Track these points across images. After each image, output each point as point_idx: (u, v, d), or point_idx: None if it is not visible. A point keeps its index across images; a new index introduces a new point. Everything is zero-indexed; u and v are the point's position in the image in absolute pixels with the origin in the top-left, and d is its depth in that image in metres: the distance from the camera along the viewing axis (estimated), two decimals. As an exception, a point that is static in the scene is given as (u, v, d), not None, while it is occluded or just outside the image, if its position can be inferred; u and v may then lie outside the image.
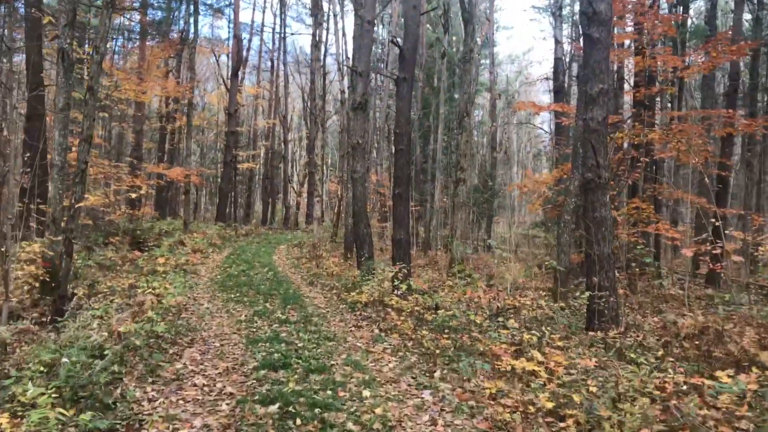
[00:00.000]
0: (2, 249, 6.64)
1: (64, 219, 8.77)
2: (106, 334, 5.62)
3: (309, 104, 30.27)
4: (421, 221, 24.38)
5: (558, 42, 23.46)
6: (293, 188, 44.22)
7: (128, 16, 21.75)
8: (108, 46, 27.87)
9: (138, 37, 25.95)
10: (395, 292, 10.19)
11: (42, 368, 4.42)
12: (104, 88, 18.54)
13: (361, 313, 9.38)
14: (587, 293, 8.99)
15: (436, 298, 9.84)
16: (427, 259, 19.23)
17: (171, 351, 6.51)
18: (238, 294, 10.78)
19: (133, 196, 19.20)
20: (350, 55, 21.27)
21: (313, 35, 23.24)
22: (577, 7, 30.94)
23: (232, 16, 33.06)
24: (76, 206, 7.37)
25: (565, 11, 29.71)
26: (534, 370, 6.26)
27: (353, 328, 8.37)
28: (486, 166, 25.16)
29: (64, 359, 4.32)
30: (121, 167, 19.79)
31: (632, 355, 7.02)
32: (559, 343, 7.39)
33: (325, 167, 41.15)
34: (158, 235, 21.83)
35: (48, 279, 7.92)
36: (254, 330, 7.75)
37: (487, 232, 24.82)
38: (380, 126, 30.46)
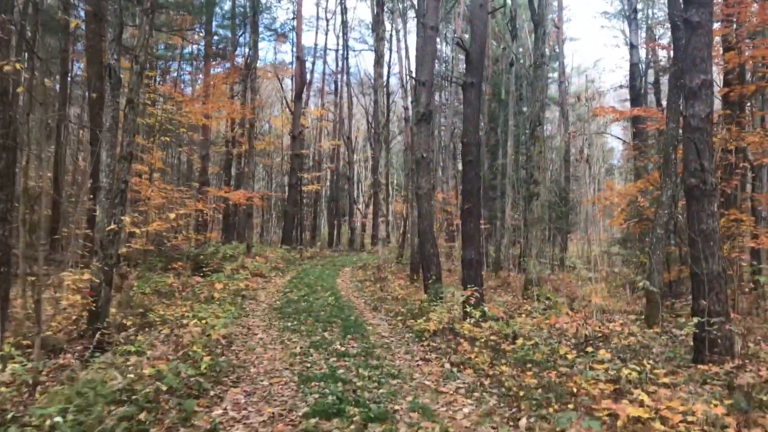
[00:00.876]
0: (34, 278, 6.06)
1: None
2: (132, 375, 4.86)
3: (372, 123, 29.72)
4: (490, 240, 23.11)
5: (633, 46, 21.97)
6: (359, 209, 43.76)
7: (191, 41, 21.85)
8: (172, 70, 28.30)
9: (203, 61, 26.19)
10: (467, 319, 9.12)
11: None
12: (167, 113, 18.51)
13: (429, 343, 8.35)
14: (695, 319, 7.62)
15: (513, 325, 8.71)
16: (498, 281, 17.97)
17: (213, 392, 5.70)
18: (295, 322, 9.98)
19: (192, 220, 18.97)
20: (413, 69, 20.53)
21: (375, 51, 22.68)
22: (651, 12, 29.18)
23: (294, 39, 33.17)
24: (116, 230, 6.78)
25: (639, 15, 28.02)
26: (642, 417, 5.06)
27: (420, 362, 7.36)
28: (559, 180, 23.66)
29: (57, 418, 3.55)
30: (184, 191, 19.67)
31: (764, 398, 5.68)
32: (665, 380, 6.13)
33: (390, 187, 40.54)
34: (222, 259, 21.57)
35: (95, 309, 7.35)
36: (309, 365, 6.87)
37: (562, 250, 23.23)
38: (446, 144, 29.50)
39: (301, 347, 7.86)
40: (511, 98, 20.69)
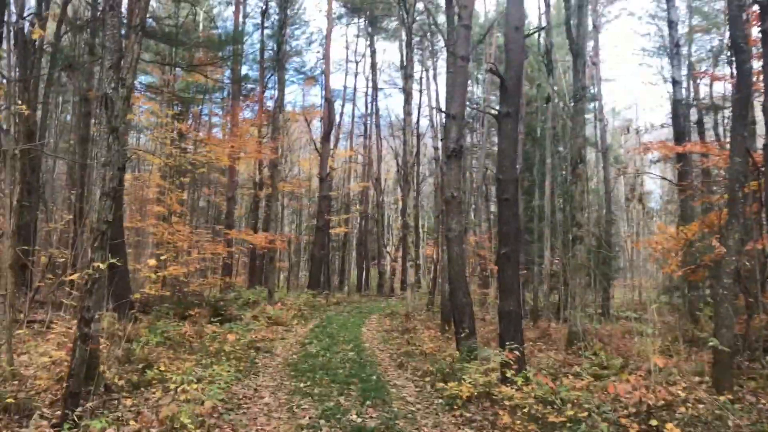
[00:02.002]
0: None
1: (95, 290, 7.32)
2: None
3: (401, 163, 28.90)
4: (527, 287, 21.65)
5: (676, 82, 20.77)
6: (388, 253, 42.64)
7: (213, 79, 21.47)
8: (203, 115, 28.03)
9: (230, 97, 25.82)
10: (506, 384, 7.84)
11: None
12: (185, 153, 17.90)
13: (462, 413, 7.07)
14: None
15: (561, 389, 7.40)
16: (537, 332, 16.49)
17: (191, 484, 4.57)
18: (309, 383, 8.79)
19: (212, 264, 18.10)
20: (443, 107, 19.69)
21: (404, 90, 22.00)
22: (694, 48, 27.99)
23: (323, 81, 32.86)
24: (95, 277, 5.82)
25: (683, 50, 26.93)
26: None
27: (452, 440, 6.11)
28: (601, 223, 22.23)
29: None
30: (202, 234, 18.92)
31: None
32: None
33: (420, 230, 39.41)
34: (243, 305, 20.60)
35: (69, 371, 6.31)
36: (316, 444, 5.68)
37: (606, 299, 21.63)
38: (478, 184, 28.42)
39: (310, 417, 6.67)
40: (547, 135, 19.59)
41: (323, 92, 32.94)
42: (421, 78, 34.92)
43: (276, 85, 28.84)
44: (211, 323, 16.56)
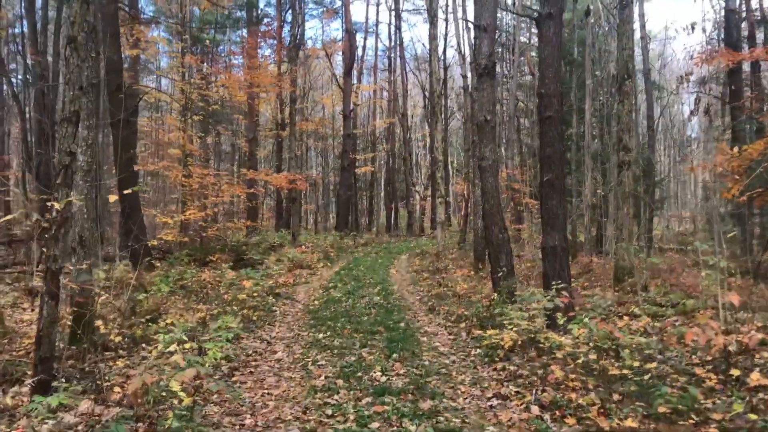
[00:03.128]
0: None
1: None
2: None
3: (428, 94, 27.31)
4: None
5: (732, -9, 18.65)
6: (417, 192, 41.44)
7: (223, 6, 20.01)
8: (222, 55, 26.69)
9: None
10: (553, 328, 6.76)
11: None
12: (195, 86, 16.68)
13: (505, 366, 6.03)
14: None
15: (624, 335, 6.29)
16: (578, 268, 15.30)
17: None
18: (329, 333, 7.84)
19: (235, 207, 17.20)
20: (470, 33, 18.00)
21: (428, 11, 20.22)
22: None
23: (343, 12, 30.97)
24: (59, 220, 4.82)
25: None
26: None
27: (494, 402, 5.07)
28: (644, 149, 20.57)
29: None
30: (221, 177, 17.96)
31: None
32: None
33: (449, 167, 37.93)
34: (268, 248, 19.83)
35: (39, 333, 5.41)
36: (329, 414, 4.70)
37: (648, 230, 20.23)
38: (510, 115, 26.72)
39: (327, 377, 5.70)
40: (587, 54, 17.80)
41: (343, 23, 31.15)
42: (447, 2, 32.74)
43: (293, 20, 27.31)
44: (232, 268, 15.86)
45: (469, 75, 20.09)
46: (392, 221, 37.30)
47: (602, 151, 20.94)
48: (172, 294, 11.02)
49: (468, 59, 18.63)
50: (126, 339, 7.31)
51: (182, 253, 14.80)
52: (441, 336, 7.80)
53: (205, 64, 24.04)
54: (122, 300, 8.68)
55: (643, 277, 11.73)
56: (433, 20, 18.96)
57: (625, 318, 8.35)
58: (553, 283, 7.58)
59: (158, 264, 14.47)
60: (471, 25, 19.08)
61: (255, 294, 10.57)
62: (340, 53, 31.87)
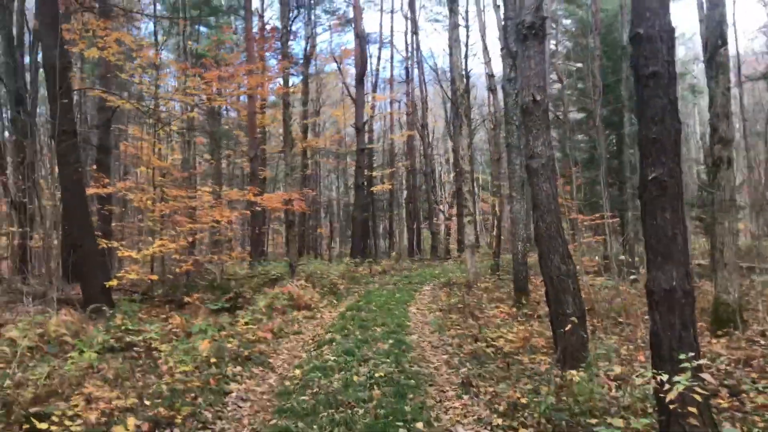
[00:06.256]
0: None
1: None
2: None
3: (450, 94, 24.26)
4: (616, 238, 16.89)
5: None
6: (440, 210, 38.16)
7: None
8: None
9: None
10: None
11: None
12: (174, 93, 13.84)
13: None
14: None
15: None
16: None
17: None
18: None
19: (233, 233, 14.23)
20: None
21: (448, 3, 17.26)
22: None
23: (352, 14, 28.20)
24: None
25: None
26: None
27: None
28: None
29: None
30: (208, 198, 14.99)
31: None
32: None
33: (475, 183, 34.57)
34: (265, 283, 16.74)
35: None
36: None
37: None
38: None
39: None
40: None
41: (354, 29, 28.36)
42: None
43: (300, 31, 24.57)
44: (216, 311, 12.82)
45: (498, 69, 17.03)
46: (414, 244, 34.04)
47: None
48: (101, 356, 7.97)
49: (497, 47, 15.51)
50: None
51: (158, 293, 11.81)
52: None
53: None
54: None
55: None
56: (452, 6, 15.94)
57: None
58: (681, 353, 4.32)
59: (123, 308, 11.46)
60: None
61: (213, 359, 7.45)
62: (352, 59, 28.98)
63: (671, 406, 4.18)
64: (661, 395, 4.18)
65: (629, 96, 17.01)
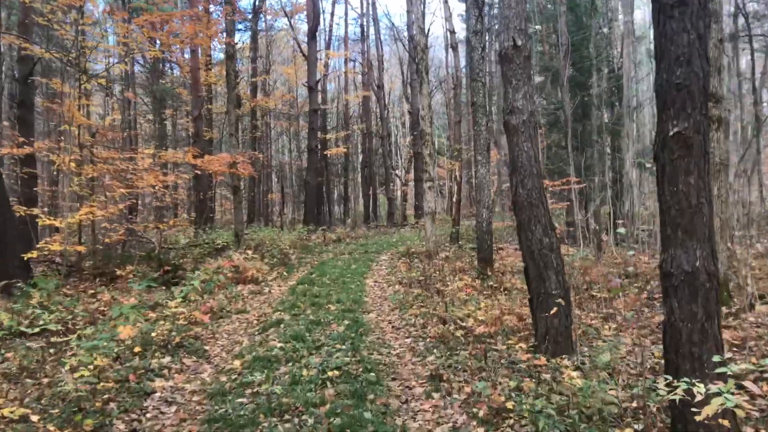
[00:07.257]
0: None
1: None
2: None
3: (408, 45, 23.00)
4: (586, 206, 16.19)
5: None
6: (397, 176, 37.18)
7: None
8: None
9: None
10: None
11: None
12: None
13: None
14: None
15: None
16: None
17: None
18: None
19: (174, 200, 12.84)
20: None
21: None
22: None
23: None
24: None
25: None
26: None
27: None
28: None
29: None
30: (144, 160, 13.49)
31: None
32: None
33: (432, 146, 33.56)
34: (209, 253, 15.46)
35: None
36: None
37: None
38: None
39: None
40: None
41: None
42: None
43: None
44: (151, 286, 11.55)
45: (459, 27, 15.79)
46: (371, 210, 33.03)
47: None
48: (8, 348, 6.72)
49: (457, 4, 14.30)
50: None
51: (88, 265, 10.45)
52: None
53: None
54: None
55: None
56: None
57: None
58: (698, 345, 3.44)
59: (42, 284, 10.05)
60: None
61: (135, 349, 6.28)
62: (304, 15, 27.21)
63: (699, 419, 3.28)
64: (691, 408, 3.28)
65: (596, 54, 16.17)
